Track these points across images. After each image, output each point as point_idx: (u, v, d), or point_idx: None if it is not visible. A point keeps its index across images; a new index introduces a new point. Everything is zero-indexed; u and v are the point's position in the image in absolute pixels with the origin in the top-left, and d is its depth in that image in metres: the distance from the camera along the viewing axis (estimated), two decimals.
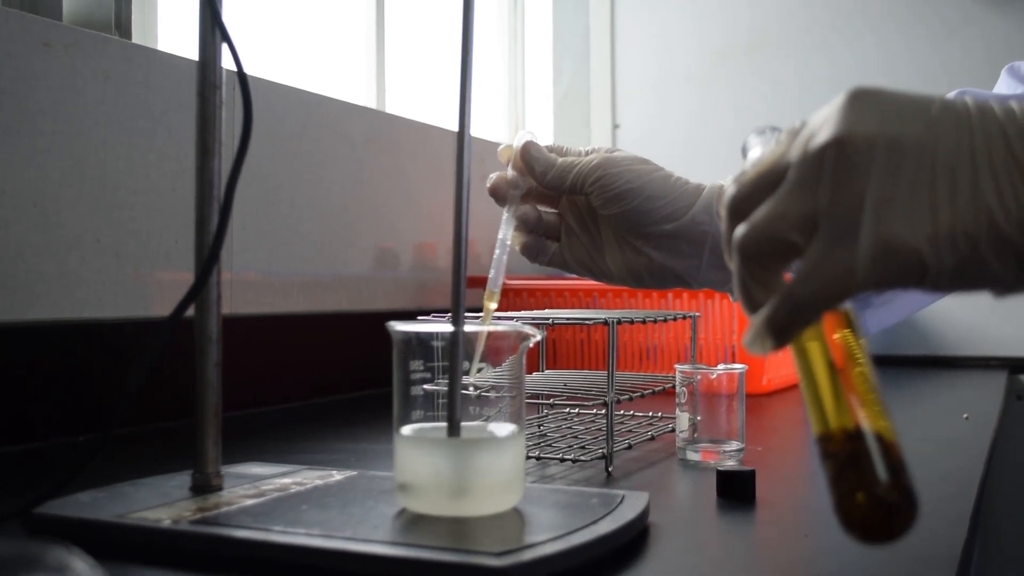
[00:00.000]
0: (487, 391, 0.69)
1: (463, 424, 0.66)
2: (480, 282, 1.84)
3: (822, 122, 0.49)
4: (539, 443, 0.99)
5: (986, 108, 0.48)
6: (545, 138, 2.45)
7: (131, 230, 1.17)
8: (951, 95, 0.57)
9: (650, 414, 1.14)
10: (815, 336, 0.51)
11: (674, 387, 0.98)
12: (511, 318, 0.96)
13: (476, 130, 2.13)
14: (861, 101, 0.48)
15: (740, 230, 0.51)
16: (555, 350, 1.63)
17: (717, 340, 1.54)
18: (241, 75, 0.72)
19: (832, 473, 0.48)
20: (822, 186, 0.48)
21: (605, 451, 0.90)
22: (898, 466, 0.47)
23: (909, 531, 0.47)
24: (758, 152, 0.61)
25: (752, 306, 0.52)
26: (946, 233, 0.46)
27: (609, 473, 0.89)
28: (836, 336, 0.51)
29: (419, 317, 0.87)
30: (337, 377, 1.50)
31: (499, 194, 0.84)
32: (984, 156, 0.46)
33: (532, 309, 1.46)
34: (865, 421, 0.48)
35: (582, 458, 0.91)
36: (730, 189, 0.53)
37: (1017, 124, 0.47)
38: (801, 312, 0.49)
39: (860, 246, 0.46)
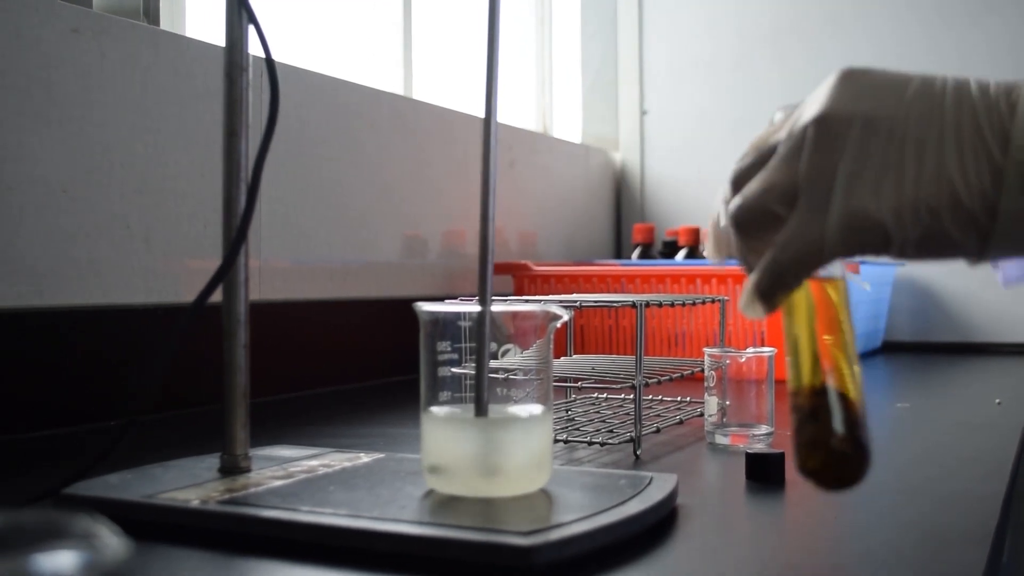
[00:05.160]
0: (515, 373, 0.69)
1: (490, 405, 0.66)
2: (506, 268, 1.84)
3: (812, 101, 0.52)
4: (567, 427, 0.98)
5: (962, 86, 0.49)
6: (574, 125, 2.44)
7: (160, 216, 1.17)
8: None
9: (678, 399, 1.14)
10: (803, 302, 0.54)
11: (703, 371, 0.98)
12: (538, 301, 0.95)
13: (504, 116, 2.13)
14: (848, 80, 0.51)
15: (734, 202, 0.54)
16: (583, 336, 1.62)
17: (746, 325, 1.53)
18: (267, 53, 0.72)
19: (796, 424, 0.52)
20: (802, 160, 0.51)
21: (633, 434, 0.90)
22: (854, 421, 0.51)
23: (860, 481, 0.52)
24: None
25: (750, 273, 0.55)
26: (909, 205, 0.49)
27: (637, 456, 0.89)
28: (823, 304, 0.54)
29: (446, 300, 0.87)
30: (366, 363, 1.50)
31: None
32: (952, 132, 0.48)
33: (559, 294, 1.46)
34: (832, 380, 0.52)
35: (610, 441, 0.90)
36: (735, 165, 0.57)
37: (989, 102, 0.48)
38: (781, 277, 0.53)
39: (830, 216, 0.50)
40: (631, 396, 0.93)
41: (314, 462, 0.76)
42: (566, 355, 1.18)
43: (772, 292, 0.53)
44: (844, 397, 0.52)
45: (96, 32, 1.10)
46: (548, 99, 2.43)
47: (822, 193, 0.50)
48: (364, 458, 0.78)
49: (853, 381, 0.52)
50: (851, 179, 0.49)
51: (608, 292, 1.61)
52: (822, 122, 0.51)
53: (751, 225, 0.54)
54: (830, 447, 0.51)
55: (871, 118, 0.50)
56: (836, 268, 0.55)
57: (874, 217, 0.49)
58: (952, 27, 2.11)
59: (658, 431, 0.98)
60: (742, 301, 0.55)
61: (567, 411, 1.08)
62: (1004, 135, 0.48)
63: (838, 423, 0.51)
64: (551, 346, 0.70)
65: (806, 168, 0.51)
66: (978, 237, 0.49)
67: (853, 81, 0.51)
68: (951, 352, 2.07)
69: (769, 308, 0.54)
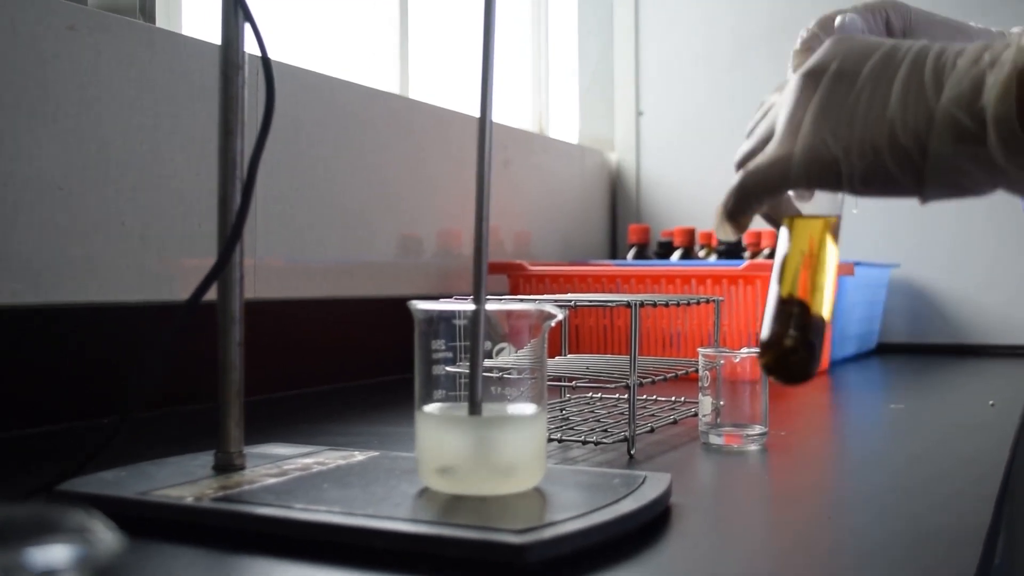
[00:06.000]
0: (509, 372, 0.69)
1: (484, 404, 0.66)
2: (501, 267, 1.84)
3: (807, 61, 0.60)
4: (561, 426, 0.98)
5: (923, 48, 0.56)
6: (571, 126, 2.44)
7: (155, 214, 1.17)
8: None
9: (673, 399, 1.14)
10: (801, 233, 0.62)
11: (697, 371, 0.98)
12: (533, 300, 0.95)
13: (499, 117, 2.12)
14: (835, 43, 0.59)
15: (738, 151, 0.63)
16: (578, 336, 1.63)
17: (741, 326, 1.54)
18: (263, 51, 0.72)
19: (763, 327, 0.60)
20: (784, 104, 0.59)
21: (627, 434, 0.90)
22: (808, 326, 0.59)
23: (808, 376, 0.59)
24: None
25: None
26: (856, 142, 0.55)
27: (631, 456, 0.89)
28: (815, 236, 0.62)
29: (441, 299, 0.87)
30: (360, 361, 1.50)
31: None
32: (900, 83, 0.55)
33: (555, 294, 1.46)
34: (799, 293, 0.60)
35: (604, 441, 0.91)
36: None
37: (939, 61, 0.54)
38: (747, 197, 0.60)
39: (796, 149, 0.57)
40: (625, 396, 0.93)
41: (308, 460, 0.76)
42: (561, 354, 1.19)
43: (737, 211, 0.61)
44: (806, 307, 0.59)
45: (92, 29, 1.10)
46: (544, 99, 2.43)
47: (792, 130, 0.57)
48: (358, 456, 0.78)
49: (819, 300, 0.60)
50: (816, 119, 0.57)
51: (603, 292, 1.62)
52: (805, 75, 0.58)
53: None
54: (783, 344, 0.58)
55: (840, 71, 0.57)
56: (827, 206, 0.62)
57: (830, 152, 0.56)
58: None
59: (652, 431, 0.98)
60: (714, 222, 0.62)
61: (561, 410, 1.08)
62: (941, 85, 0.54)
63: (795, 326, 0.59)
64: (545, 345, 0.70)
65: (784, 109, 0.59)
66: (915, 175, 0.54)
67: (839, 43, 0.59)
68: (945, 354, 2.07)
69: (738, 228, 0.61)
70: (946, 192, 0.55)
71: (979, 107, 0.52)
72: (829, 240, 0.62)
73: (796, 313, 0.59)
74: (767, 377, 0.60)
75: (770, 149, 0.59)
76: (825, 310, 0.60)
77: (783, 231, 0.63)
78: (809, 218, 0.62)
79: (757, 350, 0.60)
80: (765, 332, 0.60)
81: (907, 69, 0.55)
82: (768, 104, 0.63)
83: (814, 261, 0.61)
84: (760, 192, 0.59)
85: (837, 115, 0.56)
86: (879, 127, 0.55)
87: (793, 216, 0.63)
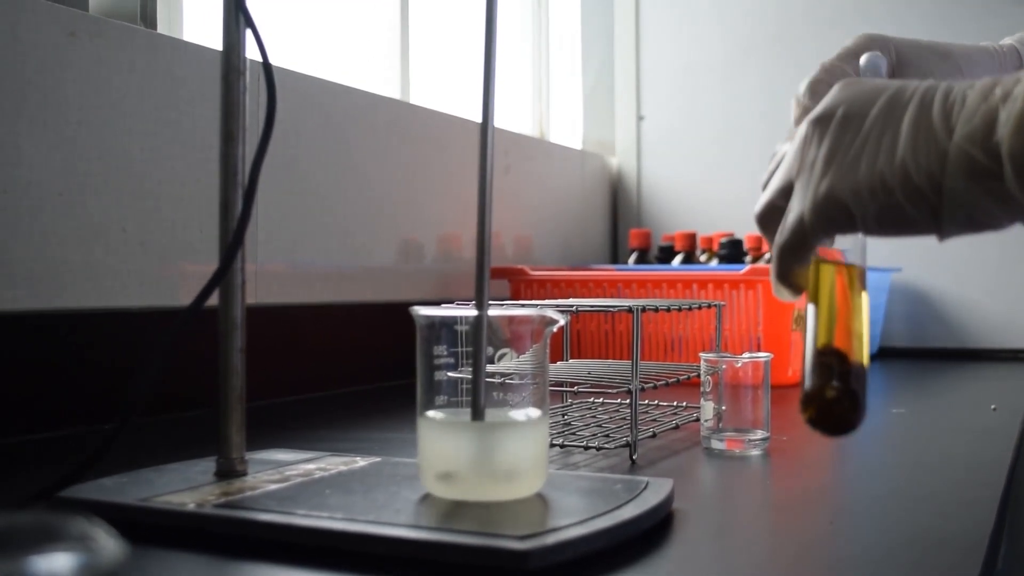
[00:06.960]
0: (511, 377, 0.69)
1: (486, 409, 0.66)
2: (502, 272, 1.84)
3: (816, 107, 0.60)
4: (563, 431, 0.98)
5: (930, 88, 0.56)
6: (575, 131, 2.44)
7: (156, 220, 1.17)
8: None
9: (675, 404, 1.14)
10: (826, 281, 0.61)
11: (699, 376, 0.98)
12: (535, 306, 0.95)
13: (501, 121, 2.13)
14: (842, 87, 0.59)
15: (756, 206, 0.63)
16: (579, 341, 1.62)
17: (742, 331, 1.53)
18: (264, 57, 0.72)
19: (803, 380, 0.60)
20: (797, 155, 0.59)
21: (629, 439, 0.90)
22: (847, 374, 0.58)
23: (853, 427, 0.57)
24: None
25: None
26: (866, 185, 0.55)
27: (633, 461, 0.89)
28: (840, 284, 0.61)
29: (443, 304, 0.87)
30: (362, 367, 1.50)
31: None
32: (909, 123, 0.55)
33: (556, 299, 1.45)
34: (836, 342, 0.59)
35: (606, 446, 0.90)
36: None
37: (947, 100, 0.55)
38: (783, 259, 0.60)
39: (808, 199, 0.57)
40: (627, 401, 0.93)
41: (310, 466, 0.76)
42: (562, 359, 1.18)
43: (781, 273, 0.61)
44: (844, 356, 0.58)
45: (93, 35, 1.10)
46: (544, 104, 2.43)
47: (808, 180, 0.58)
48: (360, 462, 0.78)
49: (856, 346, 0.59)
50: (826, 165, 0.57)
51: (604, 297, 1.61)
52: (813, 122, 0.59)
53: (769, 223, 0.62)
54: (825, 396, 0.57)
55: (847, 115, 0.57)
56: (852, 255, 0.62)
57: (840, 197, 0.56)
58: (938, 38, 2.11)
59: (654, 436, 0.98)
60: (773, 288, 0.63)
61: (563, 415, 1.08)
62: (952, 122, 0.54)
63: (835, 376, 0.57)
64: (547, 350, 0.70)
65: (797, 161, 0.59)
66: (931, 213, 0.55)
67: (846, 87, 0.59)
68: (947, 358, 2.07)
69: (792, 289, 0.62)
70: (963, 228, 0.55)
71: (994, 142, 0.52)
72: (857, 283, 0.62)
73: (835, 363, 0.58)
74: (815, 430, 0.60)
75: (792, 205, 0.59)
76: (864, 356, 0.60)
77: (811, 283, 0.62)
78: (833, 262, 0.62)
79: (800, 406, 0.59)
80: (806, 385, 0.59)
81: (915, 109, 0.55)
82: (780, 154, 0.63)
83: (846, 307, 0.61)
84: (791, 254, 0.60)
85: (847, 159, 0.56)
86: (890, 168, 0.55)
87: (817, 262, 0.62)
